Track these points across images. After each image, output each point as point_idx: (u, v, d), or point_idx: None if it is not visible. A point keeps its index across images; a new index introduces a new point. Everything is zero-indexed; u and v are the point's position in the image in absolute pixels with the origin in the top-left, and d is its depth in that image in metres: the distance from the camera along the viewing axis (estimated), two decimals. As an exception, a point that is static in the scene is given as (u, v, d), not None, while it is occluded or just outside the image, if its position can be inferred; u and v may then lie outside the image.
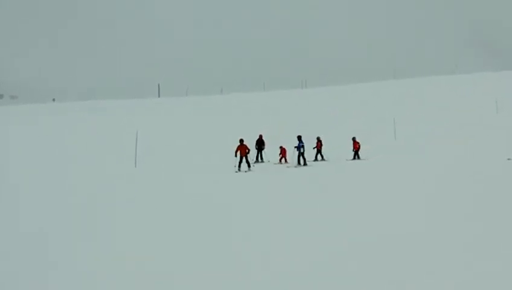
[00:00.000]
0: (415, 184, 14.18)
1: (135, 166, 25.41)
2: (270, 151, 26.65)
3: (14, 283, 6.71)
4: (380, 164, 22.02)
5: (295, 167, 23.53)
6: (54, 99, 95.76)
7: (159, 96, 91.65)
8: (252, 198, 13.45)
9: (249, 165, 22.30)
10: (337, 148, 27.55)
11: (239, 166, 21.96)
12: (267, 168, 23.52)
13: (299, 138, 24.29)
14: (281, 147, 26.23)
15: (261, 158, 26.38)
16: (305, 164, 23.90)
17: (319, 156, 26.20)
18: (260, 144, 26.57)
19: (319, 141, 26.37)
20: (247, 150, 22.56)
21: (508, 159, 19.19)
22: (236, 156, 22.28)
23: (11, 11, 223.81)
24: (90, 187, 18.07)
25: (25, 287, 6.55)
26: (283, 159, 25.91)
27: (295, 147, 24.25)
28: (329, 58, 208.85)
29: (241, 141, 22.76)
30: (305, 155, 24.18)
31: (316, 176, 19.56)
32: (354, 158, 25.96)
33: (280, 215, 10.43)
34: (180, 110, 60.91)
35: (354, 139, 26.78)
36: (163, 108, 63.24)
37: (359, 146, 26.31)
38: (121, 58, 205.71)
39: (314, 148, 26.10)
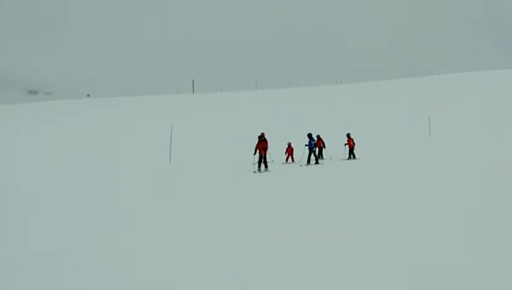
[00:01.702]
0: (443, 183, 13.99)
1: (170, 162, 25.88)
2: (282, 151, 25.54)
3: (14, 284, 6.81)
4: (410, 162, 21.29)
5: (306, 165, 22.21)
6: (88, 95, 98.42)
7: (193, 92, 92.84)
8: (277, 200, 13.20)
9: (266, 166, 20.61)
10: (368, 146, 27.03)
11: (258, 166, 20.25)
12: (280, 168, 21.72)
13: (310, 135, 23.14)
14: (288, 144, 24.78)
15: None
16: (316, 162, 22.65)
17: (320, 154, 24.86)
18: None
19: (319, 139, 24.51)
20: (267, 146, 20.58)
21: None
22: (255, 154, 20.74)
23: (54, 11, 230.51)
24: (120, 182, 18.38)
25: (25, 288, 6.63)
26: (290, 159, 24.46)
27: (306, 145, 23.00)
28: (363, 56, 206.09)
29: (260, 137, 20.95)
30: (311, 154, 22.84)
31: (334, 175, 18.36)
32: (349, 158, 23.84)
33: (309, 215, 10.50)
34: (213, 106, 61.56)
35: (348, 135, 24.50)
36: (197, 104, 64.06)
37: (354, 143, 24.10)
38: (154, 57, 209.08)
39: (316, 148, 24.48)
